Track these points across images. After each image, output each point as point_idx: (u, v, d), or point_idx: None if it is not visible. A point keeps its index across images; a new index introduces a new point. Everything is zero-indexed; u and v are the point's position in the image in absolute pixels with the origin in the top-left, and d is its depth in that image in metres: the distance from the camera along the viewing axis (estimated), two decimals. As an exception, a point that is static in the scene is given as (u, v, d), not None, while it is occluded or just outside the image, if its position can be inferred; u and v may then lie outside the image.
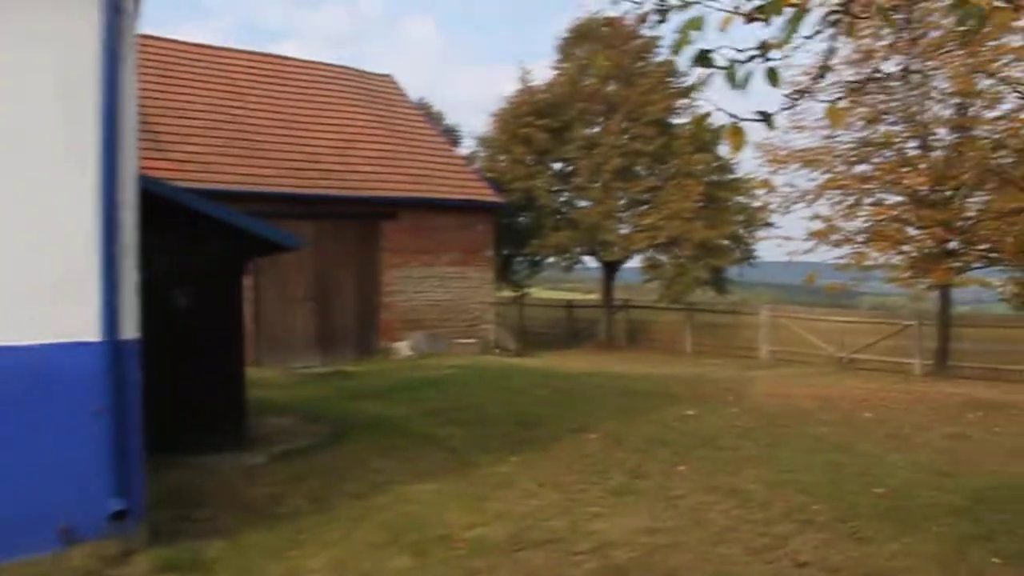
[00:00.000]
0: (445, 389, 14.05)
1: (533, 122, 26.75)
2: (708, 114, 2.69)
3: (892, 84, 19.40)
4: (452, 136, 36.10)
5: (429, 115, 32.95)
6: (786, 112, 13.31)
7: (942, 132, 19.34)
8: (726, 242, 25.98)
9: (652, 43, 26.80)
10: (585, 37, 28.03)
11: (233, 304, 9.85)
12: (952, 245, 18.94)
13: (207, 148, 19.01)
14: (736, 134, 2.58)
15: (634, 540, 6.37)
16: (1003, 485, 8.24)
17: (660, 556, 6.05)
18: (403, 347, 20.51)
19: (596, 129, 27.34)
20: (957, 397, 15.01)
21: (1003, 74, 18.07)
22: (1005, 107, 18.41)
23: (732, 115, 2.52)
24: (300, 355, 19.31)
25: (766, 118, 2.65)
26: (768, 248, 42.80)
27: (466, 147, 32.04)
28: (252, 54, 23.93)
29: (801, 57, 20.70)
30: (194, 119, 19.72)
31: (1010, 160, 18.57)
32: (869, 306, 31.07)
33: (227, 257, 9.51)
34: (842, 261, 19.56)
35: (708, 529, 6.67)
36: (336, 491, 7.64)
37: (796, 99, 16.96)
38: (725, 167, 26.77)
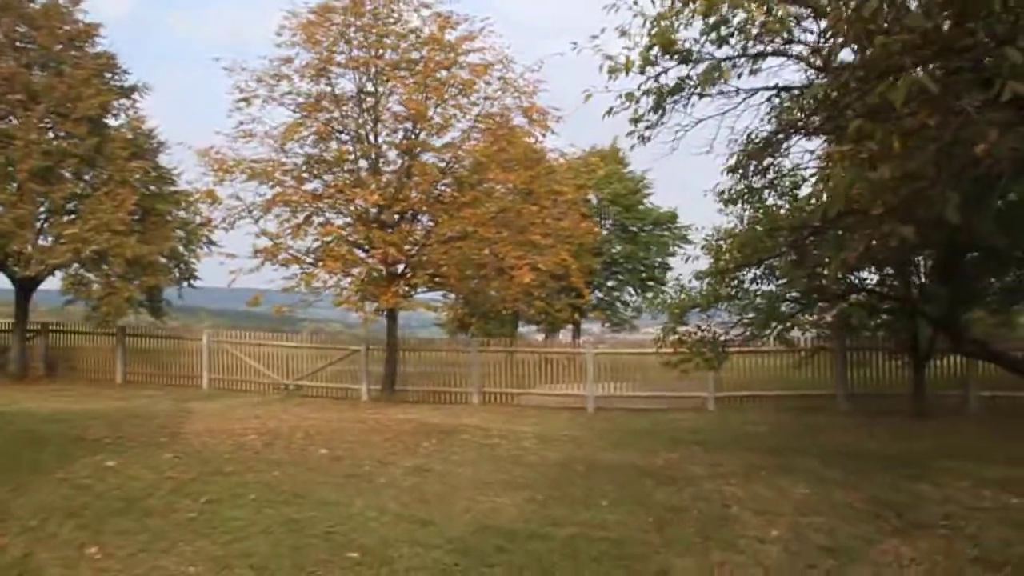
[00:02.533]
0: None
1: (-79, 105, 21.39)
2: None
3: (346, 102, 18.73)
4: None
5: None
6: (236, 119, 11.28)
7: (393, 154, 19.05)
8: (164, 259, 23.19)
9: (90, 29, 23.08)
10: (6, 11, 23.23)
11: None
12: (401, 268, 18.67)
13: None
14: None
15: None
16: (482, 528, 7.24)
17: None
18: None
19: (13, 121, 22.71)
20: (409, 424, 14.40)
21: (452, 102, 18.35)
22: (453, 135, 18.73)
23: None
24: None
25: None
26: (211, 270, 40.32)
27: None
28: None
29: (255, 63, 19.09)
30: None
31: (452, 188, 18.90)
32: (310, 331, 30.33)
33: None
34: (290, 282, 18.24)
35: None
36: None
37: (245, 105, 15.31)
38: (165, 177, 24.00)
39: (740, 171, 9.15)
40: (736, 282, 11.37)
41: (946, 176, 4.74)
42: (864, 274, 14.87)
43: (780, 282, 11.64)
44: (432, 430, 13.60)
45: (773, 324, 11.15)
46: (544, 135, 18.59)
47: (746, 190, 10.01)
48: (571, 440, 13.46)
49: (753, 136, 8.60)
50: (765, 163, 9.08)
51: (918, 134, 4.63)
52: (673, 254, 35.39)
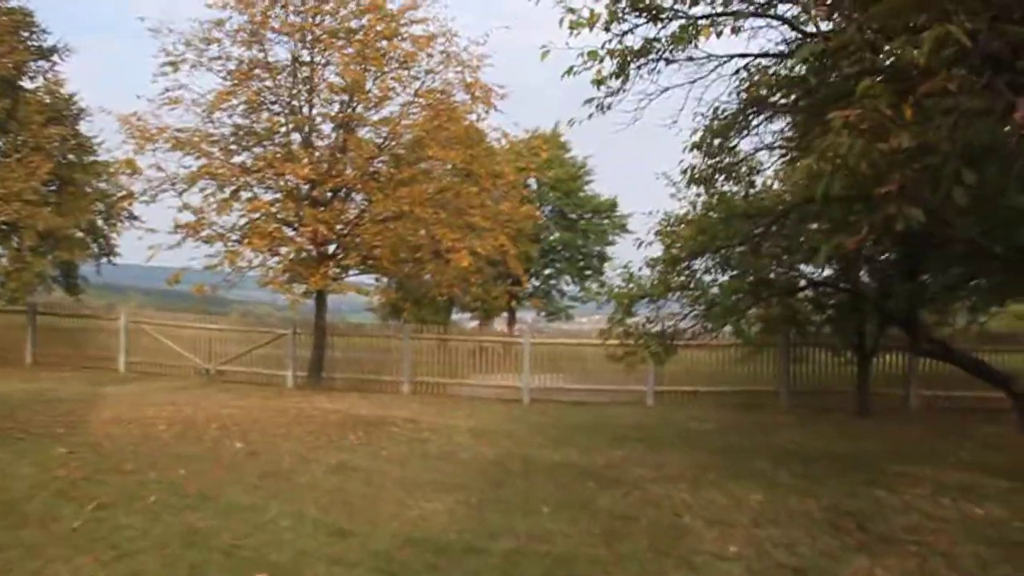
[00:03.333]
0: None
1: None
2: None
3: (280, 71, 17.63)
4: None
5: None
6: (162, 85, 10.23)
7: (327, 128, 18.03)
8: (80, 233, 21.82)
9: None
10: None
11: None
12: (332, 248, 17.71)
13: None
14: None
15: None
16: (411, 541, 6.43)
17: None
18: None
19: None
20: (335, 414, 13.54)
21: (392, 75, 17.43)
22: (391, 109, 17.79)
23: None
24: None
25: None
26: (135, 247, 38.58)
27: None
28: None
29: (184, 25, 17.81)
30: None
31: (388, 165, 17.98)
32: (239, 313, 29.00)
33: None
34: (213, 261, 17.10)
35: None
36: None
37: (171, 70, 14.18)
38: (85, 146, 22.53)
39: (704, 149, 8.45)
40: (688, 271, 10.68)
41: (960, 151, 4.09)
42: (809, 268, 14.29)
43: (734, 273, 10.99)
44: (359, 422, 12.77)
45: (730, 317, 10.48)
46: (487, 111, 17.74)
47: (710, 170, 9.27)
48: (506, 435, 12.72)
49: (720, 111, 7.92)
50: (732, 142, 8.39)
51: (934, 101, 3.98)
52: (612, 243, 34.88)
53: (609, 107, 7.49)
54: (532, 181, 30.44)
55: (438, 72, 17.64)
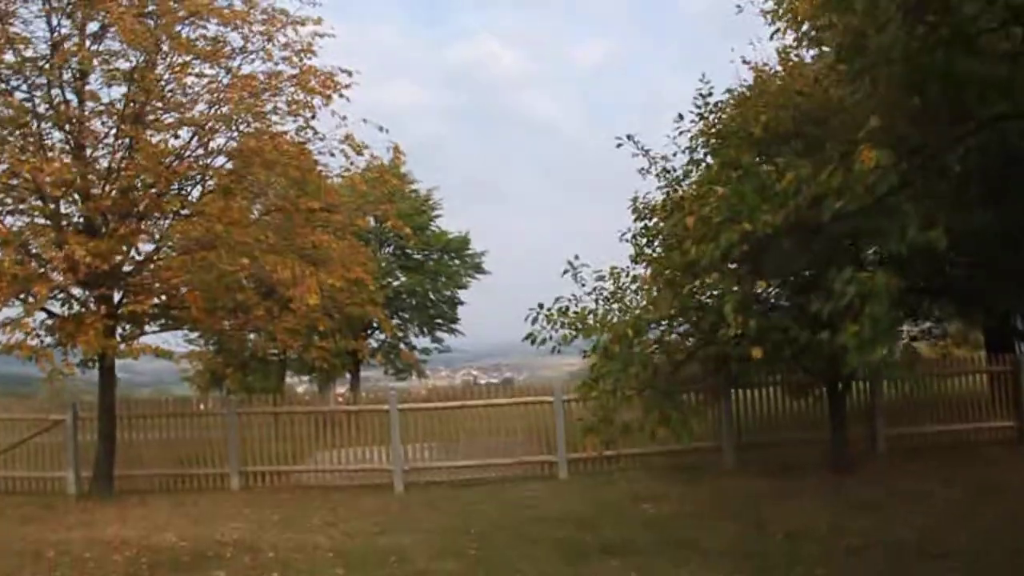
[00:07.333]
0: None
1: None
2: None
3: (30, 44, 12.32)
4: None
5: None
6: None
7: (104, 125, 12.78)
8: None
9: None
10: None
11: None
12: (118, 296, 12.51)
13: None
14: None
15: None
16: None
17: None
18: None
19: None
20: (126, 550, 8.61)
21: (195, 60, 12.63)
22: (200, 108, 12.83)
23: None
24: None
25: None
26: None
27: None
28: None
29: None
30: None
31: (194, 174, 12.97)
32: (50, 394, 21.38)
33: None
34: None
35: None
36: None
37: None
38: None
39: None
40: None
41: None
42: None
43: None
44: (163, 564, 7.88)
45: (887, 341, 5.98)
46: (327, 103, 13.02)
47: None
48: (402, 561, 8.13)
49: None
50: None
51: None
52: (465, 286, 30.53)
53: None
54: (371, 217, 25.65)
55: (255, 52, 12.93)
